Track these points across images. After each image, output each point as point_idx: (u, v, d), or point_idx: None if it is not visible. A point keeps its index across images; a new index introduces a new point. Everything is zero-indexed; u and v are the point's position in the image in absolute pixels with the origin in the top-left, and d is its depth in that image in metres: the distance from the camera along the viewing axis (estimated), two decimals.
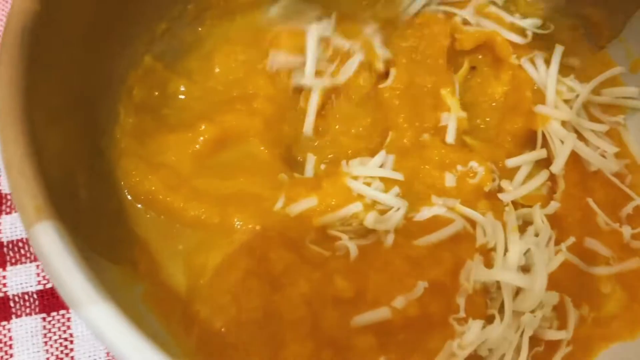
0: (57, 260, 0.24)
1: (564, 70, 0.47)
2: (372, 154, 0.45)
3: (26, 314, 0.45)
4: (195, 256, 0.40)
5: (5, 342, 0.44)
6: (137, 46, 0.45)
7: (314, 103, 0.45)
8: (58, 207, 0.26)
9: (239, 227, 0.40)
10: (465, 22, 0.48)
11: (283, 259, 0.40)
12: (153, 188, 0.40)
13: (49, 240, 0.24)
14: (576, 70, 0.49)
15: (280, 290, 0.39)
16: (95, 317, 0.23)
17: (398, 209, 0.41)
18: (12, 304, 0.45)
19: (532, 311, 0.39)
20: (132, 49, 0.44)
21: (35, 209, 0.25)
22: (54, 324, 0.45)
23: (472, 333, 0.37)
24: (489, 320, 0.39)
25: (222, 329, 0.37)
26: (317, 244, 0.40)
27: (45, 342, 0.44)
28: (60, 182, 0.28)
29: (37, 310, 0.45)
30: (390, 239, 0.40)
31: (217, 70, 0.48)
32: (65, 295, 0.24)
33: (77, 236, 0.26)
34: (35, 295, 0.46)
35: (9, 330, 0.44)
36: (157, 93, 0.46)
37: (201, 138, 0.43)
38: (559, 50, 0.46)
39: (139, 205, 0.40)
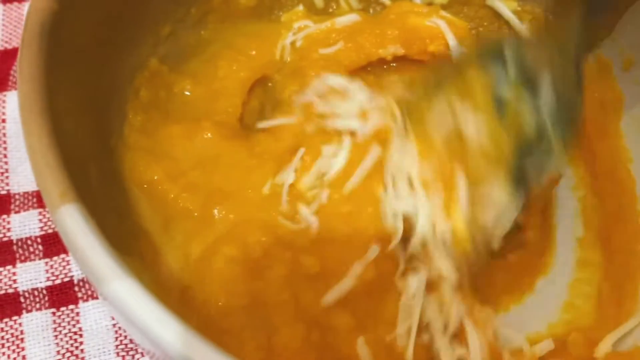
0: (82, 238, 0.25)
1: None
2: None
3: (36, 309, 0.46)
4: (188, 246, 0.42)
5: (17, 337, 0.45)
6: (142, 48, 0.46)
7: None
8: (79, 193, 0.28)
9: (218, 217, 0.42)
10: None
11: (260, 243, 0.41)
12: (155, 177, 0.42)
13: (74, 220, 0.26)
14: None
15: (261, 274, 0.40)
16: (120, 290, 0.24)
17: None
18: (22, 300, 0.46)
19: None
20: (138, 50, 0.46)
21: (59, 194, 0.26)
22: (63, 319, 0.46)
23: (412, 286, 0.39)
24: None
25: (216, 316, 0.38)
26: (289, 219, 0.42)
27: (56, 336, 0.45)
28: (77, 174, 0.30)
29: (46, 305, 0.46)
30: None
31: (220, 74, 0.50)
32: (90, 273, 0.25)
33: (100, 224, 0.27)
34: (44, 291, 0.47)
35: (20, 324, 0.45)
36: (163, 93, 0.47)
37: (208, 134, 0.44)
38: None
39: (142, 196, 0.42)
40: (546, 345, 0.42)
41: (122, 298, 0.24)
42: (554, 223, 0.49)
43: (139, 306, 0.24)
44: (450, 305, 0.39)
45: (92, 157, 0.37)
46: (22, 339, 0.45)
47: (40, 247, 0.48)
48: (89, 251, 0.25)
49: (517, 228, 0.45)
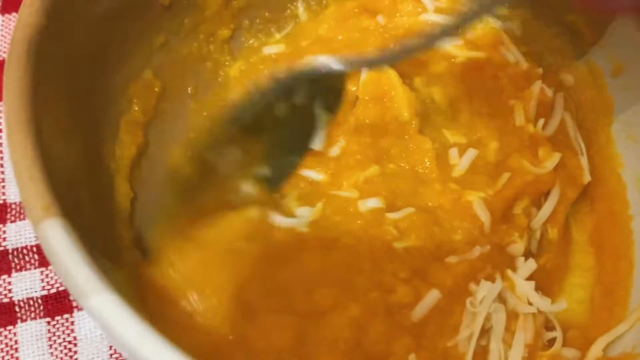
0: (63, 253, 0.26)
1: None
2: None
3: (31, 318, 0.46)
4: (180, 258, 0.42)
5: (11, 346, 0.45)
6: (136, 59, 0.47)
7: None
8: (64, 208, 0.28)
9: None
10: None
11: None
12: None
13: (55, 235, 0.26)
14: (568, 89, 0.51)
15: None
16: (99, 306, 0.25)
17: None
18: (17, 309, 0.47)
19: None
20: (132, 61, 0.46)
21: (42, 207, 0.27)
22: (58, 328, 0.46)
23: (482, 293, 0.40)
24: None
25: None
26: None
27: (50, 345, 0.46)
28: (65, 188, 0.30)
29: (41, 314, 0.47)
30: None
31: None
32: (71, 286, 0.25)
33: (81, 236, 0.27)
34: (40, 300, 0.47)
35: (14, 334, 0.46)
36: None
37: None
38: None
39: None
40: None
41: (102, 312, 0.25)
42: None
43: (119, 320, 0.24)
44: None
45: (84, 170, 0.37)
46: (16, 349, 0.45)
47: (35, 256, 0.49)
48: (69, 266, 0.25)
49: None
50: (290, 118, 0.42)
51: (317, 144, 0.44)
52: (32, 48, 0.32)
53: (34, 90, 0.31)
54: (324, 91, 0.43)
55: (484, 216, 0.44)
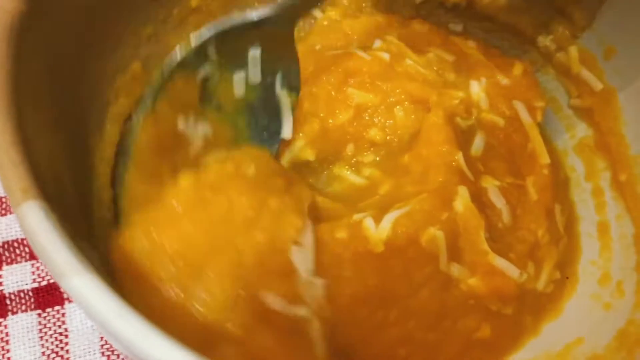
0: (42, 235, 0.25)
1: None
2: None
3: (22, 311, 0.46)
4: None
5: (2, 338, 0.45)
6: (123, 49, 0.46)
7: None
8: (43, 191, 0.28)
9: None
10: None
11: None
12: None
13: (34, 216, 0.26)
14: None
15: None
16: (79, 286, 0.25)
17: None
18: (8, 302, 0.47)
19: None
20: (119, 52, 0.46)
21: (22, 190, 0.27)
22: (49, 320, 0.46)
23: None
24: None
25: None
26: None
27: (41, 337, 0.46)
28: (45, 173, 0.30)
29: (32, 307, 0.46)
30: None
31: None
32: (50, 268, 0.25)
33: (60, 219, 0.27)
34: (30, 293, 0.47)
35: (5, 326, 0.46)
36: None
37: None
38: None
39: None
40: None
41: (81, 293, 0.25)
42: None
43: (97, 301, 0.24)
44: None
45: (61, 159, 0.37)
46: (7, 341, 0.45)
47: (26, 249, 0.49)
48: (49, 247, 0.25)
49: None
50: (250, 100, 0.42)
51: (286, 131, 0.44)
52: (13, 34, 0.32)
53: (15, 78, 0.30)
54: (279, 65, 0.43)
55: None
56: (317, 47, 0.51)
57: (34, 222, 0.26)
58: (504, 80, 0.49)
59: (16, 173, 0.27)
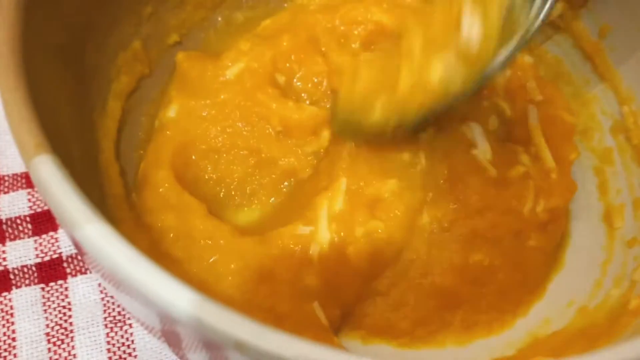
0: (55, 186, 0.26)
1: None
2: None
3: (25, 285, 0.47)
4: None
5: (7, 311, 0.46)
6: (125, 27, 0.47)
7: None
8: (54, 147, 0.28)
9: None
10: None
11: None
12: None
13: (47, 169, 0.26)
14: None
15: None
16: (92, 234, 0.25)
17: None
18: (12, 277, 0.47)
19: None
20: (120, 29, 0.47)
21: (35, 145, 0.27)
22: (52, 293, 0.47)
23: None
24: None
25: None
26: None
27: (45, 310, 0.46)
28: (55, 132, 0.31)
29: (36, 281, 0.47)
30: None
31: None
32: (63, 219, 0.26)
33: (71, 173, 0.28)
34: (34, 268, 0.47)
35: (9, 300, 0.46)
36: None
37: None
38: None
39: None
40: None
41: (94, 241, 0.25)
42: None
43: (111, 248, 0.25)
44: None
45: (68, 122, 0.37)
46: (11, 314, 0.46)
47: (29, 225, 0.49)
48: (62, 197, 0.26)
49: None
50: None
51: None
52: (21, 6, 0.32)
53: (25, 37, 0.31)
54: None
55: None
56: None
57: (47, 174, 0.26)
58: None
59: (28, 128, 0.28)
